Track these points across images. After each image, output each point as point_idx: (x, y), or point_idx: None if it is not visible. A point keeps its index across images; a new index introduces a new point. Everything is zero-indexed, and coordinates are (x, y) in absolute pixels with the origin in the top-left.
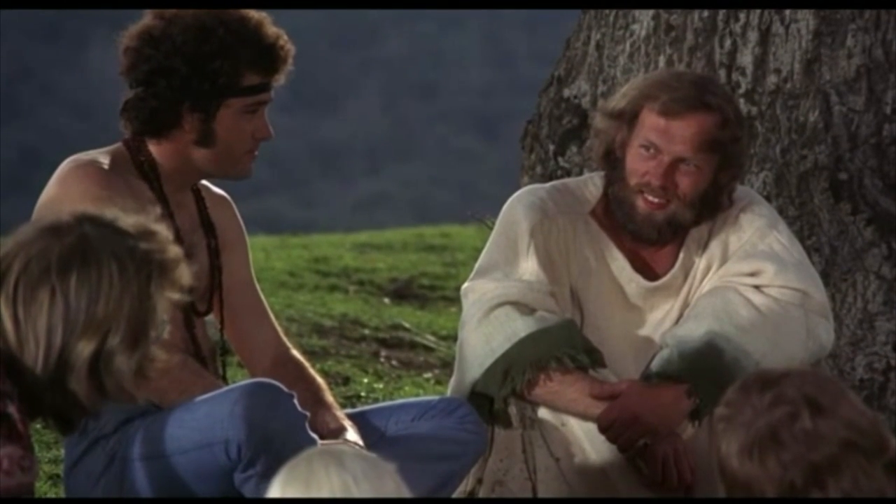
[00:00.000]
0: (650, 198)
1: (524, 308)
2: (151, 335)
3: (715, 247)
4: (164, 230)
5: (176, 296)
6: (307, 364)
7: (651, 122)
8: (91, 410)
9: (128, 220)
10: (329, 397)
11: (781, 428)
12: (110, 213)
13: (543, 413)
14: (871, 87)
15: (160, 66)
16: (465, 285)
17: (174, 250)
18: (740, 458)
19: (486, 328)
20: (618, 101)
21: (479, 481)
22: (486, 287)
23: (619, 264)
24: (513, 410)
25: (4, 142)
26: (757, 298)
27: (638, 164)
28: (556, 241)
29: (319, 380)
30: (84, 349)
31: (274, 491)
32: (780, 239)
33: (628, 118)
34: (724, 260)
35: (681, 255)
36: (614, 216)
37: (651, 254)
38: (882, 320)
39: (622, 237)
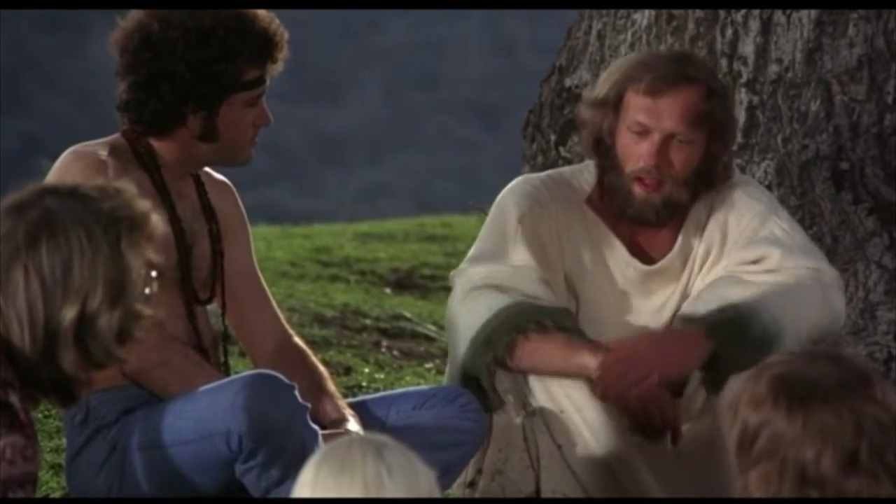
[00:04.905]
0: (646, 180)
1: (511, 290)
2: (133, 293)
3: (713, 228)
4: (129, 187)
5: (150, 250)
6: (309, 352)
7: (637, 103)
8: (85, 379)
9: (89, 184)
10: (331, 386)
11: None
12: (71, 180)
13: (542, 399)
14: (873, 77)
15: (162, 70)
16: (454, 270)
17: (142, 205)
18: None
19: (469, 305)
20: (600, 88)
21: (479, 471)
22: (474, 271)
23: (617, 250)
24: (511, 399)
25: (5, 131)
26: (767, 277)
27: (630, 149)
28: (549, 229)
29: (321, 368)
30: (66, 316)
31: (308, 470)
32: (781, 224)
33: (613, 104)
34: (724, 242)
35: (679, 239)
36: (611, 203)
37: (649, 239)
38: (883, 310)
39: (619, 223)
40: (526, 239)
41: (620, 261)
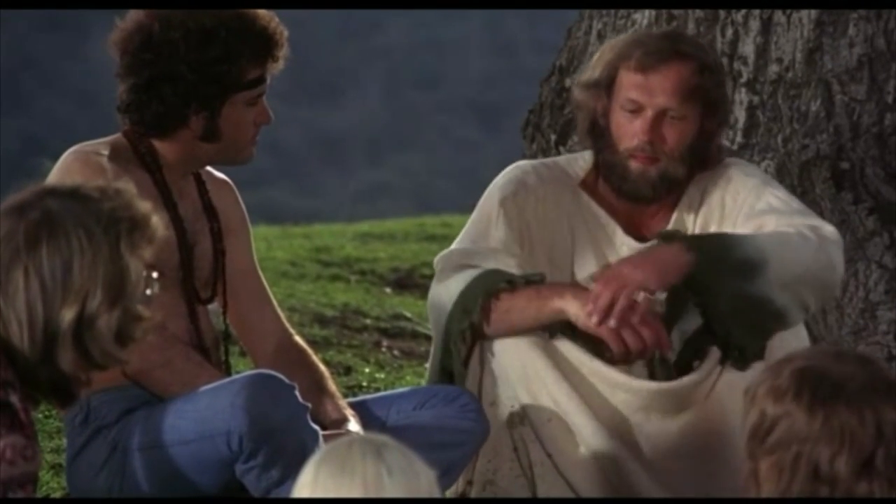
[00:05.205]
0: (640, 156)
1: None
2: (132, 294)
3: (709, 207)
4: (129, 188)
5: (151, 251)
6: (310, 351)
7: (629, 80)
8: (84, 380)
9: (90, 185)
10: (331, 385)
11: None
12: (72, 181)
13: (529, 406)
14: (873, 77)
15: (164, 72)
16: (438, 255)
17: (142, 206)
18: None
19: (446, 284)
20: (592, 69)
21: (469, 483)
22: (454, 254)
23: (611, 230)
24: (501, 409)
25: (6, 131)
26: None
27: (624, 128)
28: (535, 211)
29: (322, 367)
30: (65, 317)
31: (307, 470)
32: (777, 193)
33: (605, 84)
34: (722, 220)
35: (673, 217)
36: (606, 184)
37: (645, 220)
38: (884, 309)
39: (614, 204)
40: (507, 222)
41: (615, 240)
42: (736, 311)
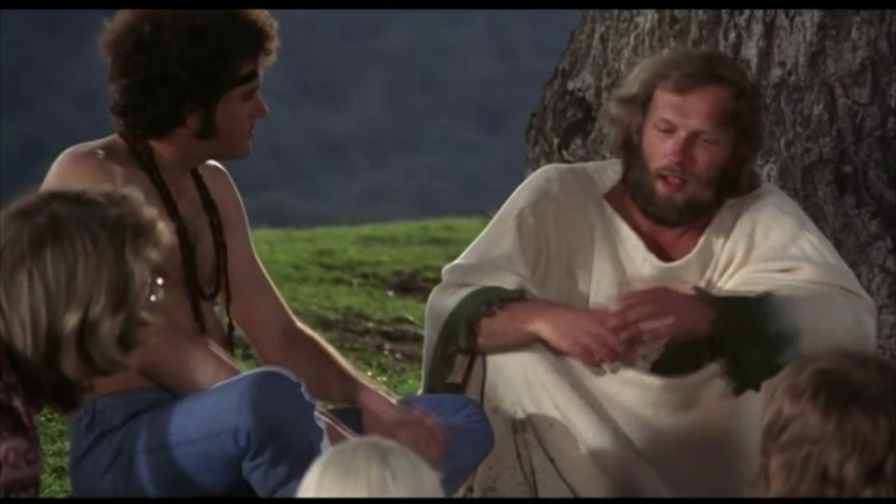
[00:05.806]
0: (670, 178)
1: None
2: (136, 299)
3: (738, 236)
4: (136, 194)
5: (155, 256)
6: (316, 335)
7: (665, 100)
8: (86, 385)
9: (96, 190)
10: (344, 362)
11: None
12: (77, 186)
13: (532, 411)
14: (876, 80)
15: (158, 74)
16: (445, 268)
17: (148, 212)
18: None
19: (443, 302)
20: (629, 85)
21: (470, 488)
22: (457, 268)
23: (634, 246)
24: (503, 416)
25: (6, 132)
26: (802, 285)
27: (655, 147)
28: (555, 220)
29: (331, 348)
30: (69, 322)
31: (312, 473)
32: (812, 240)
33: (641, 101)
34: (749, 252)
35: (701, 240)
36: (632, 200)
37: (670, 240)
38: (887, 313)
39: (638, 220)
40: (518, 236)
41: (637, 256)
42: (761, 375)
